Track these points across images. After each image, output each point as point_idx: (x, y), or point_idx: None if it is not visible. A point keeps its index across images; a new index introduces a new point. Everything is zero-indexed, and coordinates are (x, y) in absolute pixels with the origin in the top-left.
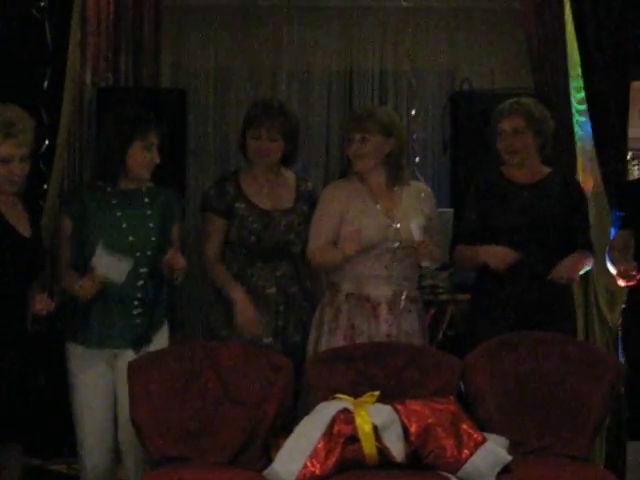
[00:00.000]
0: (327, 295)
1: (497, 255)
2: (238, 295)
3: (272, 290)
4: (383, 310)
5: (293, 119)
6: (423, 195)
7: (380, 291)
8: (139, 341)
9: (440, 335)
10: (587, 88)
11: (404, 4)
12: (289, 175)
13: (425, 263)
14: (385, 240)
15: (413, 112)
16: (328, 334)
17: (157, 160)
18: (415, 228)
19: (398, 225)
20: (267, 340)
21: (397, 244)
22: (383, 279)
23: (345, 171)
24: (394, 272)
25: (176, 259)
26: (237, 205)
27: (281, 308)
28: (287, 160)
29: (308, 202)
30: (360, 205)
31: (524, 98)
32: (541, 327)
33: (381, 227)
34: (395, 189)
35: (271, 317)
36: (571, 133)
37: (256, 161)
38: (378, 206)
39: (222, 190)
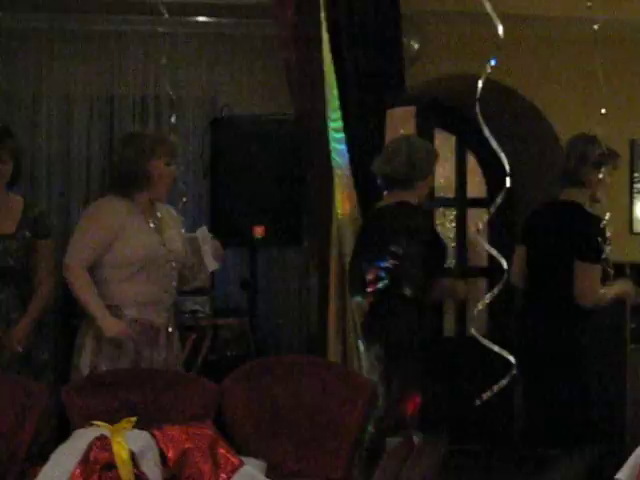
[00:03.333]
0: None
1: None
2: None
3: None
4: (162, 336)
5: (17, 141)
6: (175, 214)
7: (161, 317)
8: None
9: (200, 360)
10: (344, 116)
11: (160, 30)
12: (17, 199)
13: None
14: (159, 258)
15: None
16: (109, 361)
17: None
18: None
19: (170, 244)
20: None
21: (172, 264)
22: (163, 304)
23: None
24: (172, 297)
25: None
26: None
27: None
28: (13, 182)
29: (33, 227)
30: (135, 222)
31: None
32: None
33: (156, 245)
34: (156, 207)
35: None
36: (329, 160)
37: None
38: (151, 224)
39: None
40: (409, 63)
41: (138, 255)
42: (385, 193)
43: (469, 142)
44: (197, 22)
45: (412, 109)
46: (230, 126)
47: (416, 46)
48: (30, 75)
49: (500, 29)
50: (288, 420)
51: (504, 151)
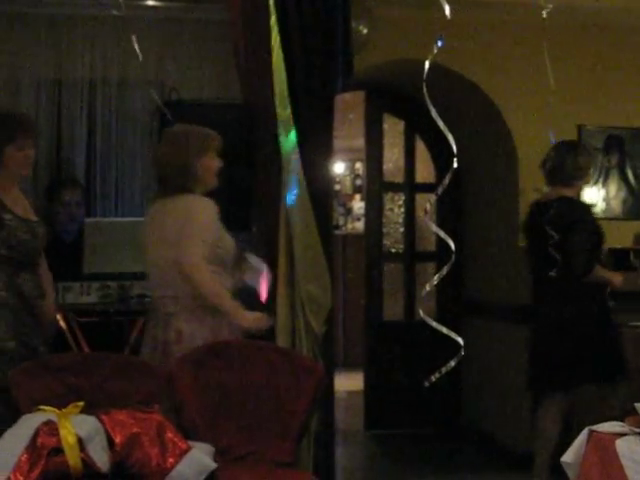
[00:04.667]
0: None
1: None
2: None
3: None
4: None
5: None
6: None
7: None
8: None
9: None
10: (293, 101)
11: (114, 12)
12: None
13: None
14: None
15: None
16: None
17: None
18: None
19: None
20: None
21: None
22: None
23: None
24: None
25: None
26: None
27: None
28: None
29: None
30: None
31: None
32: None
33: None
34: None
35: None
36: (277, 146)
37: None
38: None
39: None
40: (358, 48)
41: (231, 251)
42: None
43: (418, 127)
44: (146, 5)
45: (361, 94)
46: (178, 111)
47: (365, 31)
48: None
49: (447, 11)
50: (236, 404)
51: (452, 135)
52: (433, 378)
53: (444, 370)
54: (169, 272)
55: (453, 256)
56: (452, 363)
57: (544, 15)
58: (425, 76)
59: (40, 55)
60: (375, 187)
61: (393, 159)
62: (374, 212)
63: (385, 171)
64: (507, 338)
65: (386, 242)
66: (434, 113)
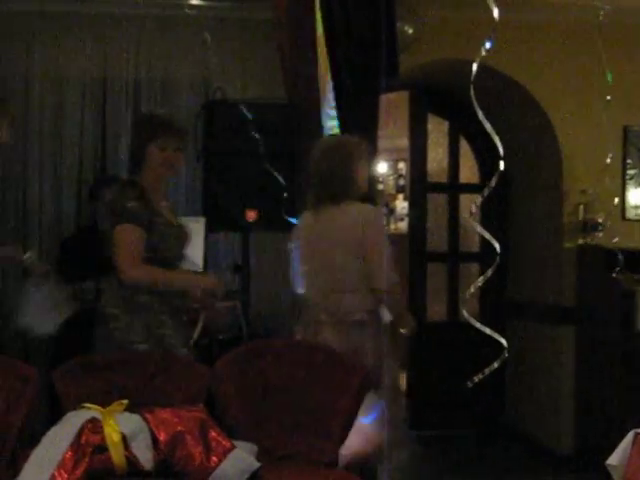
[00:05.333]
0: None
1: None
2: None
3: None
4: None
5: None
6: None
7: None
8: None
9: (191, 343)
10: (338, 101)
11: (154, 12)
12: None
13: None
14: None
15: None
16: None
17: None
18: None
19: None
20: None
21: None
22: None
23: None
24: None
25: None
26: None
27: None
28: None
29: None
30: None
31: None
32: None
33: None
34: None
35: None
36: None
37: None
38: None
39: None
40: (403, 48)
41: None
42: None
43: (462, 127)
44: (191, 5)
45: (405, 94)
46: (223, 110)
47: (410, 31)
48: (22, 58)
49: (496, 13)
50: (279, 403)
51: (497, 136)
52: (476, 379)
53: (487, 371)
54: (347, 278)
55: (498, 257)
56: (495, 364)
57: (600, 17)
58: (472, 77)
59: (85, 55)
60: (419, 187)
61: (437, 159)
62: (418, 212)
63: (429, 171)
64: (551, 339)
65: (429, 242)
66: (481, 115)
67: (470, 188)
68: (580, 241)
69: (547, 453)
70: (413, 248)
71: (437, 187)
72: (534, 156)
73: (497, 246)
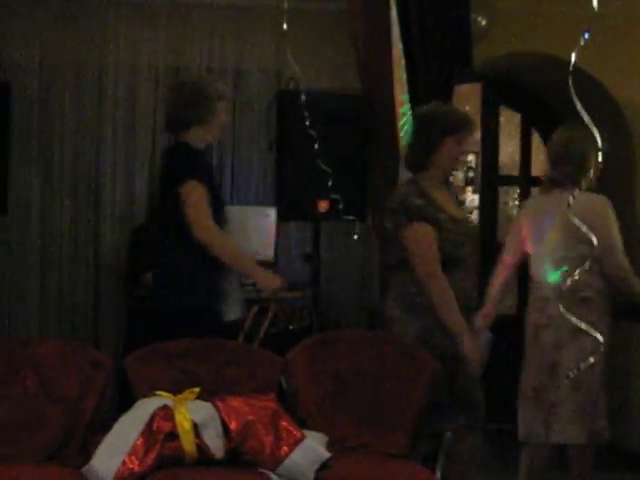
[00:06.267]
0: None
1: None
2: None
3: None
4: None
5: None
6: None
7: None
8: None
9: (262, 333)
10: (412, 92)
11: (226, 1)
12: None
13: None
14: None
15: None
16: None
17: None
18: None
19: None
20: None
21: None
22: None
23: None
24: None
25: None
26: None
27: None
28: None
29: None
30: None
31: None
32: None
33: None
34: None
35: None
36: (396, 135)
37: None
38: None
39: None
40: (476, 39)
41: None
42: None
43: (534, 120)
44: None
45: (478, 86)
46: (296, 99)
47: (484, 22)
48: (96, 45)
49: (595, 3)
50: (350, 395)
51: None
52: (571, 374)
53: (583, 366)
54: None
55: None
56: (591, 359)
57: None
58: (571, 67)
59: (158, 43)
60: (490, 180)
61: (508, 152)
62: (489, 205)
63: (500, 164)
64: (627, 337)
65: (500, 236)
66: (579, 106)
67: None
68: None
69: (614, 450)
70: (484, 241)
71: (508, 180)
72: (607, 155)
73: (595, 240)
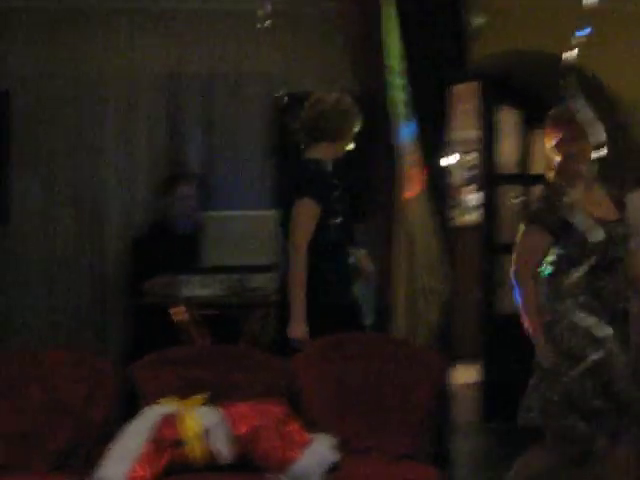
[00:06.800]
0: None
1: None
2: None
3: None
4: None
5: None
6: None
7: None
8: None
9: (267, 337)
10: (407, 93)
11: (227, 7)
12: None
13: None
14: None
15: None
16: None
17: None
18: None
19: None
20: None
21: None
22: None
23: None
24: None
25: None
26: None
27: None
28: None
29: None
30: None
31: None
32: None
33: None
34: None
35: None
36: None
37: None
38: None
39: None
40: (473, 38)
41: None
42: None
43: (533, 118)
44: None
45: (475, 84)
46: (294, 104)
47: (481, 21)
48: (96, 53)
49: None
50: (358, 397)
51: None
52: (576, 372)
53: (590, 361)
54: None
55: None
56: (594, 357)
57: None
58: (562, 62)
59: (157, 49)
60: (489, 179)
61: (507, 151)
62: (489, 204)
63: (499, 163)
64: None
65: (500, 234)
66: (582, 102)
67: (541, 180)
68: None
69: None
70: (484, 240)
71: (508, 178)
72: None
73: (601, 235)
